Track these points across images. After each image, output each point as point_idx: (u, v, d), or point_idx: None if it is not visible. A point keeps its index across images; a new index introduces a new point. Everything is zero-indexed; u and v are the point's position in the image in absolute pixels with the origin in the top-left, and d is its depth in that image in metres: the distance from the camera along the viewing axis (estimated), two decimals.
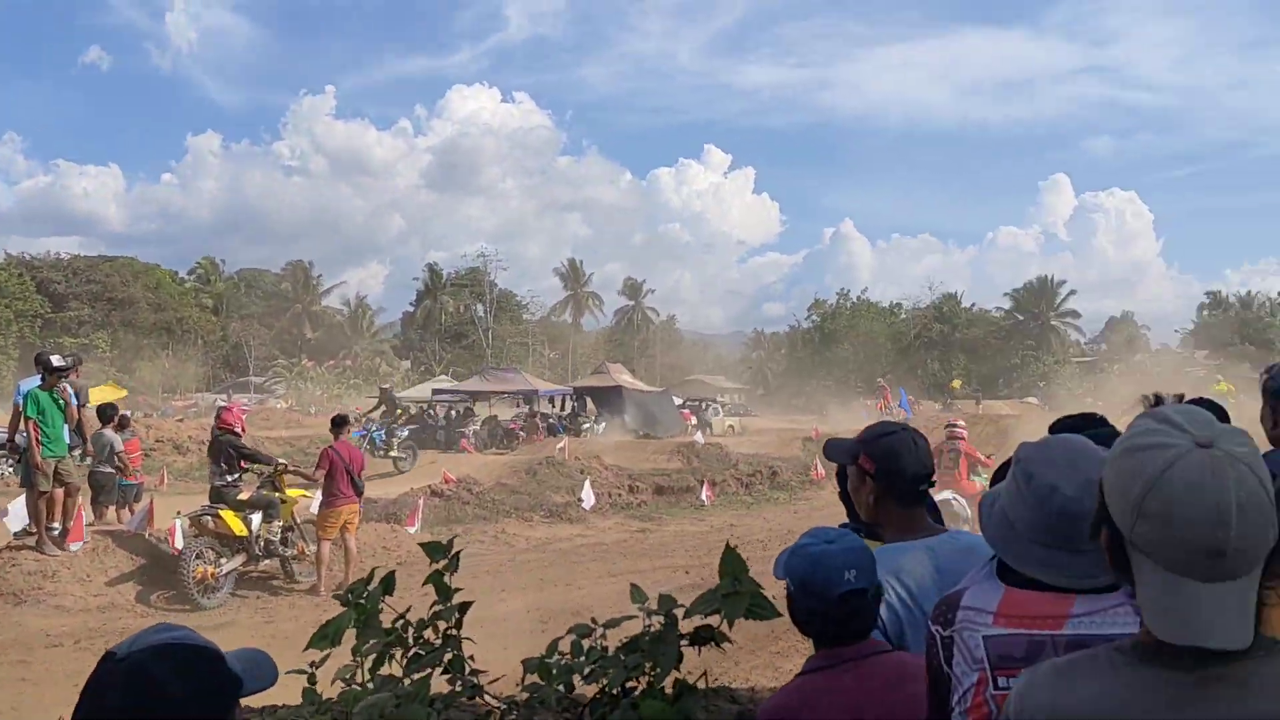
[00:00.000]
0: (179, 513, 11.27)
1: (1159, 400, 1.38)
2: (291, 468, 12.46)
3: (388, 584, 2.49)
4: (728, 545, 2.53)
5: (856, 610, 2.13)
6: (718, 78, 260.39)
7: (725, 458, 25.80)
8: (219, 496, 11.22)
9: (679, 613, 2.45)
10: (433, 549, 2.66)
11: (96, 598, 10.41)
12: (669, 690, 2.39)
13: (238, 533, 10.97)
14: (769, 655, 8.35)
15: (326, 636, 2.32)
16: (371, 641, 2.34)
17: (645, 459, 24.96)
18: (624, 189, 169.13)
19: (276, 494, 11.61)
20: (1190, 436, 1.24)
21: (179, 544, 10.79)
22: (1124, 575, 1.30)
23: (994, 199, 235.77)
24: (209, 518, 11.01)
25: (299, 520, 11.99)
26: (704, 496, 20.39)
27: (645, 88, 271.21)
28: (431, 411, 37.41)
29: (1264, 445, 2.92)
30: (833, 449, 2.70)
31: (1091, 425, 2.19)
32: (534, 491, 18.94)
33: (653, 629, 2.43)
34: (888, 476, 2.48)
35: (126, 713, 1.26)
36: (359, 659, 2.37)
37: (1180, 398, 1.40)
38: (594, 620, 2.67)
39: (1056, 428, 2.17)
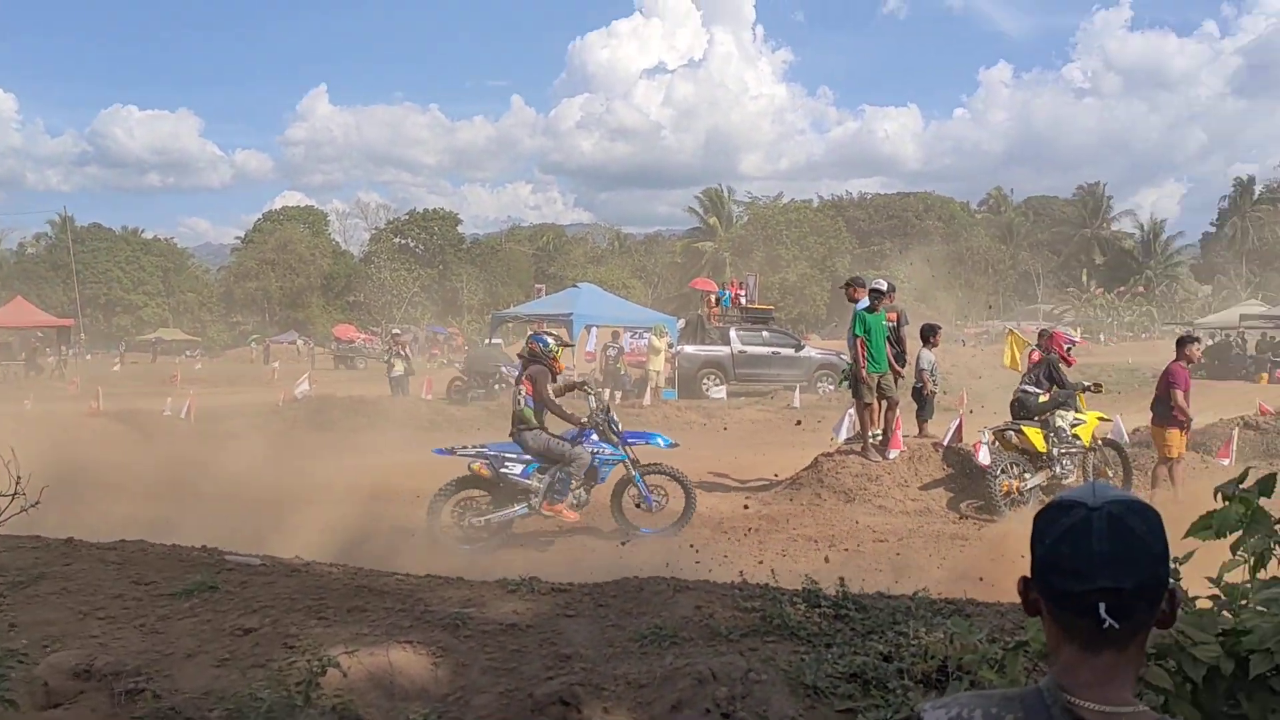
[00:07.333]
0: (984, 429, 11.69)
1: None
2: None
3: (1267, 486, 2.33)
4: None
5: None
6: None
7: None
8: (1022, 407, 11.57)
9: None
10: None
11: (914, 501, 11.40)
12: None
13: (1039, 449, 11.16)
14: None
15: (1209, 527, 2.26)
16: (1256, 538, 2.22)
17: None
18: None
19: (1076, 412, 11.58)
20: None
21: (984, 459, 11.22)
22: None
23: None
24: (1012, 433, 11.36)
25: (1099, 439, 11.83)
26: None
27: None
28: (1239, 339, 34.66)
29: None
30: None
31: None
32: None
33: None
34: None
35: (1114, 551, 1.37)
36: (1243, 553, 2.27)
37: None
38: None
39: None
